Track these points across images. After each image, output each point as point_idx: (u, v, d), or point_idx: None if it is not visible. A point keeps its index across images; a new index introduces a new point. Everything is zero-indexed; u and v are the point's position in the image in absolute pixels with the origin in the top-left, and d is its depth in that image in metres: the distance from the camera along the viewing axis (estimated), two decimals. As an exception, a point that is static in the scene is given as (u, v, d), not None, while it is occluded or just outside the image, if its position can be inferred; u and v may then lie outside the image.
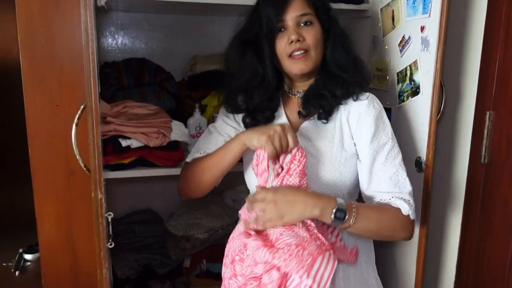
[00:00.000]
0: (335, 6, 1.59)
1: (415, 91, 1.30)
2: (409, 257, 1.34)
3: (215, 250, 2.05)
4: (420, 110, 1.28)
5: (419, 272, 1.30)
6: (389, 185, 1.13)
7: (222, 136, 1.30)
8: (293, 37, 1.15)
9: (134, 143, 1.51)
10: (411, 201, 1.11)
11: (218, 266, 2.04)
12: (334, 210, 1.02)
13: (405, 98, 1.35)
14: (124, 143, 1.50)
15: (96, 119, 0.94)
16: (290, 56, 1.18)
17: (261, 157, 1.05)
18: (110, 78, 1.80)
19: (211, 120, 1.88)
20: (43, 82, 1.38)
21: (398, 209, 1.10)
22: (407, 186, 1.13)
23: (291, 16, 1.17)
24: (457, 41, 1.39)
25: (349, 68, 1.21)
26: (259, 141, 1.07)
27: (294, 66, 1.19)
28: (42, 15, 1.35)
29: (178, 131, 1.62)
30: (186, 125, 1.75)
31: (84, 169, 1.11)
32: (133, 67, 1.89)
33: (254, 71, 1.23)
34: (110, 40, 2.04)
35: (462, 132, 1.39)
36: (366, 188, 1.17)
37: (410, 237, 1.14)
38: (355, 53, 1.25)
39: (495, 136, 1.27)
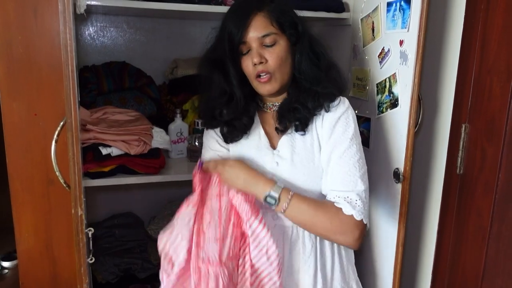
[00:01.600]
0: (316, 14, 1.62)
1: (394, 103, 1.32)
2: (387, 263, 1.37)
3: (196, 254, 2.06)
4: (398, 122, 1.30)
5: (396, 278, 1.33)
6: (339, 184, 1.14)
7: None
8: (255, 60, 1.15)
9: (115, 151, 1.50)
10: (358, 202, 1.10)
11: (199, 269, 2.05)
12: (266, 194, 1.12)
13: (384, 110, 1.38)
14: (104, 151, 1.48)
15: (76, 136, 0.93)
16: (256, 78, 1.18)
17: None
18: (90, 83, 1.78)
19: (192, 125, 1.88)
20: (21, 90, 1.35)
21: (339, 209, 1.10)
22: (357, 186, 1.12)
23: (253, 38, 1.15)
24: (434, 55, 1.42)
25: (321, 80, 1.20)
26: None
27: (261, 88, 1.20)
28: (19, 23, 1.32)
29: (159, 138, 1.61)
30: (167, 131, 1.74)
31: (64, 185, 1.10)
32: (113, 71, 1.87)
33: (222, 90, 1.23)
34: (89, 41, 2.01)
35: (439, 144, 1.43)
36: (324, 187, 1.19)
37: (353, 243, 1.12)
38: (328, 62, 1.24)
39: (470, 148, 1.31)
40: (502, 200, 1.21)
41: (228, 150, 1.30)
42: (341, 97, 1.21)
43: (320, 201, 1.16)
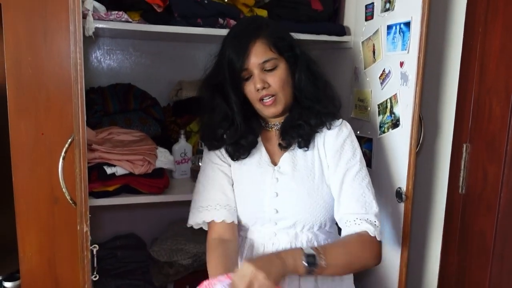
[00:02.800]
0: (318, 37, 1.65)
1: (395, 124, 1.34)
2: (390, 284, 1.36)
3: (199, 276, 2.02)
4: (400, 142, 1.32)
5: (400, 301, 1.32)
6: (356, 206, 1.16)
7: (213, 184, 1.30)
8: (258, 86, 1.18)
9: (119, 171, 1.52)
10: (377, 222, 1.14)
11: (201, 292, 2.04)
12: (303, 257, 1.03)
13: (385, 130, 1.40)
14: (109, 170, 1.50)
15: (84, 153, 0.95)
16: (260, 101, 1.21)
17: None
18: (96, 104, 1.81)
19: (196, 145, 1.90)
20: (29, 110, 1.38)
21: (363, 233, 1.12)
22: (373, 208, 1.15)
23: (254, 64, 1.18)
24: (435, 75, 1.44)
25: (320, 98, 1.24)
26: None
27: (266, 111, 1.23)
28: (30, 45, 1.36)
29: (163, 158, 1.63)
30: (171, 151, 1.76)
31: (70, 202, 1.11)
32: (118, 93, 1.90)
33: (224, 114, 1.25)
34: (96, 64, 2.05)
35: (441, 164, 1.44)
36: (336, 211, 1.20)
37: (379, 261, 1.15)
38: (325, 81, 1.27)
39: (472, 167, 1.32)
40: (504, 220, 1.21)
41: (230, 165, 1.31)
42: (342, 119, 1.24)
43: (340, 240, 1.16)
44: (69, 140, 1.02)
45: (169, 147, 1.78)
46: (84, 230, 0.99)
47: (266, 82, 1.19)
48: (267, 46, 1.18)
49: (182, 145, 1.81)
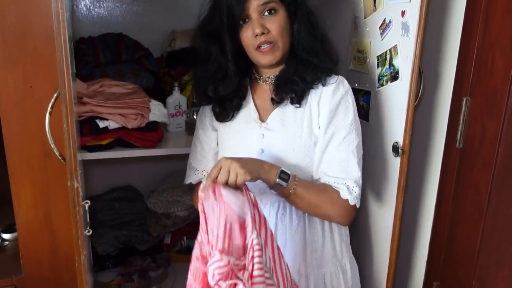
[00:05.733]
0: (316, -16, 1.57)
1: (394, 76, 1.30)
2: (384, 237, 1.38)
3: (196, 227, 2.05)
4: (399, 95, 1.28)
5: (393, 253, 1.34)
6: (337, 169, 1.17)
7: (207, 147, 1.33)
8: (258, 31, 1.13)
9: (112, 124, 1.49)
10: (355, 188, 1.16)
11: (198, 242, 2.07)
12: (278, 172, 1.10)
13: (384, 83, 1.36)
14: (101, 124, 1.48)
15: (70, 108, 0.92)
16: (257, 48, 1.17)
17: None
18: (86, 55, 1.76)
19: (191, 98, 1.86)
20: (16, 62, 1.33)
21: (338, 192, 1.15)
22: (354, 173, 1.17)
23: (253, 6, 1.13)
24: (437, 27, 1.38)
25: (318, 51, 1.21)
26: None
27: (262, 58, 1.18)
28: (13, -7, 1.29)
29: (156, 111, 1.60)
30: (165, 104, 1.73)
31: (60, 157, 1.09)
32: (110, 43, 1.84)
33: (218, 64, 1.22)
34: (85, 12, 1.97)
35: (439, 118, 1.41)
36: (316, 169, 1.21)
37: (347, 222, 1.22)
38: (322, 34, 1.24)
39: (470, 122, 1.29)
40: (500, 176, 1.20)
41: (216, 130, 1.32)
42: (339, 76, 1.21)
43: (321, 184, 1.18)
44: (55, 95, 0.99)
45: (163, 99, 1.75)
46: (75, 186, 0.98)
47: (265, 27, 1.14)
48: None
49: (176, 98, 1.78)
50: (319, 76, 1.19)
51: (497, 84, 1.19)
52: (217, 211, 0.93)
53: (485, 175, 1.24)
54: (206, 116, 1.34)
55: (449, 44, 1.35)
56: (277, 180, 1.10)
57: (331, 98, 1.18)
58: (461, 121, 1.31)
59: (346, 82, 1.22)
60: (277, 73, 1.24)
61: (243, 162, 1.04)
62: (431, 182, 1.46)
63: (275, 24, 1.15)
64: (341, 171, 1.17)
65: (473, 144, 1.28)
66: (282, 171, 1.11)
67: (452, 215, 1.38)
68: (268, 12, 1.14)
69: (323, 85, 1.20)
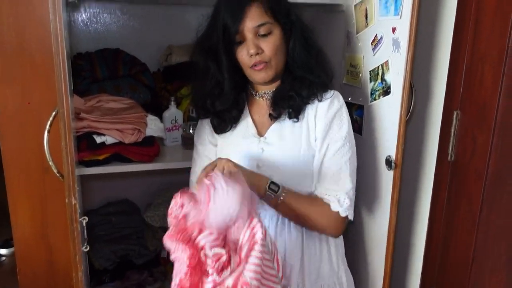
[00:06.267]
0: (310, 0, 1.60)
1: (386, 91, 1.32)
2: (378, 250, 1.39)
3: (192, 240, 2.08)
4: (391, 110, 1.31)
5: (388, 265, 1.35)
6: (329, 181, 1.19)
7: (207, 162, 1.29)
8: (252, 51, 1.16)
9: (109, 139, 1.51)
10: (346, 200, 1.17)
11: (195, 255, 2.08)
12: (269, 182, 1.13)
13: (376, 97, 1.38)
14: (98, 139, 1.49)
15: (68, 126, 0.94)
16: (251, 67, 1.19)
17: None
18: (84, 70, 1.78)
19: (187, 112, 1.88)
20: (15, 78, 1.35)
21: (328, 204, 1.17)
22: (346, 185, 1.18)
23: (248, 28, 1.15)
24: (427, 41, 1.41)
25: (313, 67, 1.23)
26: None
27: (256, 76, 1.21)
28: (11, 9, 1.31)
29: (153, 126, 1.62)
30: (161, 118, 1.75)
31: (58, 175, 1.11)
32: (107, 59, 1.87)
33: (216, 81, 1.25)
34: (82, 28, 2.00)
35: (431, 131, 1.43)
36: (315, 182, 1.23)
37: (336, 233, 1.24)
38: (317, 49, 1.26)
39: (461, 135, 1.31)
40: (491, 187, 1.22)
41: (216, 145, 1.33)
42: (334, 90, 1.23)
43: (310, 196, 1.21)
44: (53, 113, 1.01)
45: (160, 114, 1.77)
46: (73, 203, 0.99)
47: (259, 47, 1.17)
48: (263, 10, 1.15)
49: (173, 112, 1.80)
50: (315, 92, 1.22)
51: (487, 97, 1.21)
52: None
53: (477, 186, 1.26)
54: (205, 132, 1.36)
55: (439, 58, 1.38)
56: (267, 189, 1.13)
57: (326, 112, 1.21)
58: (452, 134, 1.33)
59: (340, 96, 1.24)
60: (274, 89, 1.26)
61: (238, 166, 1.08)
62: (424, 193, 1.48)
63: (270, 44, 1.17)
64: (333, 183, 1.18)
65: (465, 156, 1.31)
66: (272, 182, 1.14)
67: (445, 226, 1.40)
68: (263, 32, 1.16)
69: (319, 100, 1.22)
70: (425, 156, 1.46)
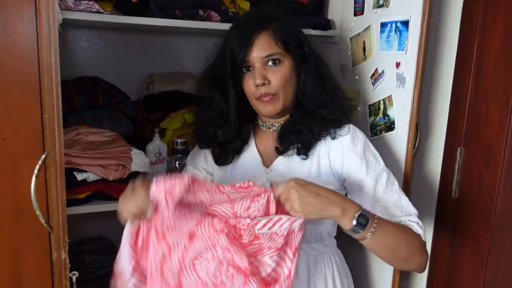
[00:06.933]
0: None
1: (390, 127, 1.28)
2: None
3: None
4: (395, 146, 1.27)
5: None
6: (397, 211, 1.09)
7: None
8: (258, 82, 1.09)
9: (91, 176, 1.39)
10: (420, 223, 1.06)
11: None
12: (357, 214, 0.95)
13: (378, 132, 1.34)
14: (79, 176, 1.37)
15: (61, 172, 0.83)
16: (258, 98, 1.13)
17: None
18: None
19: (171, 144, 1.78)
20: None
21: (412, 229, 1.04)
22: (412, 210, 1.09)
23: (256, 57, 1.10)
24: (428, 76, 1.39)
25: (328, 104, 1.16)
26: None
27: (262, 108, 1.14)
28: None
29: (138, 161, 1.50)
30: (144, 151, 1.64)
31: (46, 226, 0.97)
32: (85, 88, 1.74)
33: (220, 111, 1.18)
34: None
35: (432, 167, 1.40)
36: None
37: (425, 265, 1.05)
38: (334, 86, 1.20)
39: (466, 171, 1.29)
40: (500, 226, 1.19)
41: (212, 175, 1.26)
42: (350, 125, 1.16)
43: (397, 223, 1.05)
44: (43, 156, 0.89)
45: (142, 146, 1.66)
46: (63, 257, 0.87)
47: (266, 78, 1.10)
48: (273, 40, 1.10)
49: (157, 145, 1.69)
50: (328, 128, 1.14)
51: (493, 135, 1.19)
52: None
53: (484, 225, 1.23)
54: (199, 159, 1.28)
55: (440, 93, 1.37)
56: (354, 225, 0.96)
57: (353, 147, 1.13)
58: (456, 171, 1.30)
59: (358, 129, 1.17)
60: (282, 123, 1.19)
61: (308, 198, 0.92)
62: (426, 232, 1.43)
63: (278, 75, 1.10)
64: (402, 211, 1.08)
65: (470, 193, 1.28)
66: (361, 214, 0.96)
67: (449, 266, 1.35)
68: (272, 63, 1.10)
69: (332, 138, 1.15)
70: (426, 193, 1.42)
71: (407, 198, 1.11)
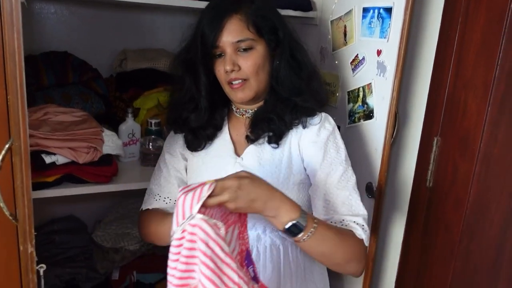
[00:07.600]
0: (283, 12, 1.51)
1: (368, 115, 1.27)
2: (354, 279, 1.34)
3: (147, 260, 1.93)
4: (373, 135, 1.26)
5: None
6: (343, 208, 1.07)
7: (173, 173, 1.23)
8: (228, 68, 1.06)
9: (60, 159, 1.33)
10: (365, 226, 1.05)
11: (149, 276, 1.93)
12: (290, 223, 0.93)
13: (356, 120, 1.33)
14: (48, 159, 1.31)
15: (26, 162, 0.78)
16: (228, 84, 1.10)
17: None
18: (27, 76, 1.56)
19: (145, 124, 1.73)
20: None
21: (354, 234, 1.03)
22: (360, 211, 1.07)
23: (227, 42, 1.06)
24: (407, 65, 1.38)
25: (302, 90, 1.13)
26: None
27: (233, 95, 1.12)
28: None
29: (110, 143, 1.45)
30: (117, 131, 1.58)
31: (10, 217, 0.92)
32: (54, 63, 1.66)
33: (191, 96, 1.15)
34: (24, 28, 1.77)
35: (407, 156, 1.40)
36: (319, 213, 1.11)
37: (361, 271, 1.06)
38: (310, 72, 1.16)
39: (441, 161, 1.29)
40: (472, 216, 1.21)
41: (186, 160, 1.24)
42: (323, 113, 1.14)
43: (339, 228, 1.04)
44: (7, 146, 0.83)
45: (114, 126, 1.60)
46: (29, 251, 0.83)
47: (236, 64, 1.07)
48: (244, 24, 1.06)
49: (130, 125, 1.64)
50: (299, 116, 1.12)
51: (470, 126, 1.19)
52: None
53: (457, 214, 1.24)
54: (176, 143, 1.25)
55: (419, 83, 1.35)
56: (284, 231, 0.96)
57: (317, 137, 1.11)
58: (431, 161, 1.31)
59: (331, 118, 1.15)
60: (255, 108, 1.16)
61: (253, 194, 0.90)
62: (398, 220, 1.45)
63: (249, 62, 1.07)
64: (347, 210, 1.07)
65: (444, 183, 1.29)
66: (295, 225, 0.94)
67: (420, 254, 1.37)
68: (243, 49, 1.07)
69: (304, 126, 1.13)
70: (400, 181, 1.43)
71: (359, 198, 1.08)
